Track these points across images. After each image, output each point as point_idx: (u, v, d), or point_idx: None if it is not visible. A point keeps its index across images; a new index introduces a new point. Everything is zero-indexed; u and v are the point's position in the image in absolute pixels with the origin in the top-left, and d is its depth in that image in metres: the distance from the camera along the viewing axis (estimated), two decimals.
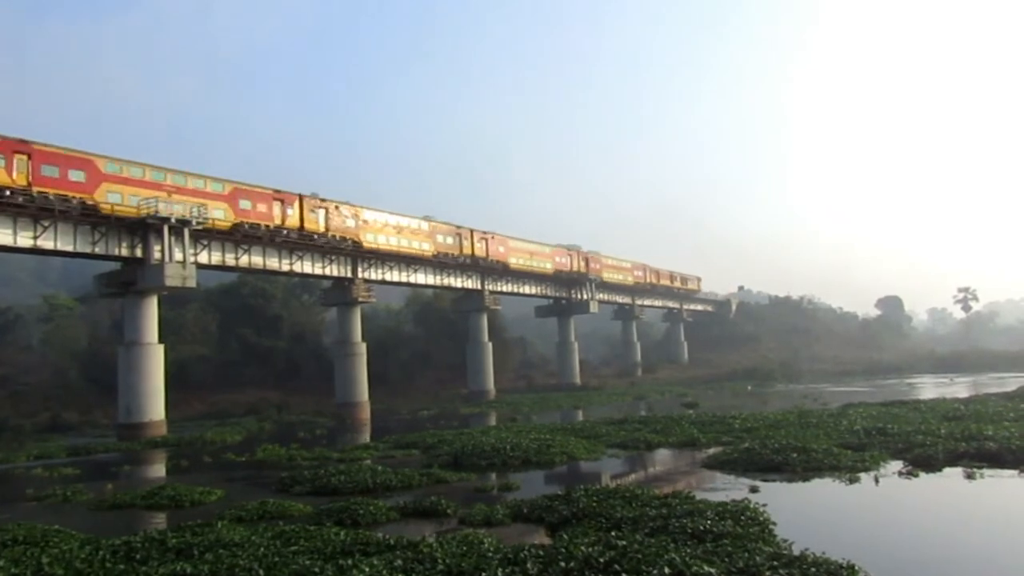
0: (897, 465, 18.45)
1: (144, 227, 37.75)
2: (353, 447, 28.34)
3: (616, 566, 8.84)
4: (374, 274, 52.81)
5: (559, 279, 70.92)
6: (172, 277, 37.89)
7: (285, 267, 47.22)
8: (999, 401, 33.48)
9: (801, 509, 14.97)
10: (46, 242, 35.24)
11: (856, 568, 8.98)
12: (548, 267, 68.55)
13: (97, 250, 37.30)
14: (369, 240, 49.30)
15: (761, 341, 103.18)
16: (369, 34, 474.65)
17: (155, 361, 38.70)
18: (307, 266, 48.34)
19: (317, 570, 9.21)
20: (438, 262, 55.74)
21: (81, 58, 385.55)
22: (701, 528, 11.04)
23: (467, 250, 57.72)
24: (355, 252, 49.40)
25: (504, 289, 66.76)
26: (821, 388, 59.36)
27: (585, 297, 75.27)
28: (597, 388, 68.37)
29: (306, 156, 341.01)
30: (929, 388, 54.80)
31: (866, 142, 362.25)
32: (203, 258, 41.66)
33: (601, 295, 79.51)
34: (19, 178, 32.72)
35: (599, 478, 19.27)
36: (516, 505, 14.43)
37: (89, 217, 35.83)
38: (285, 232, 44.07)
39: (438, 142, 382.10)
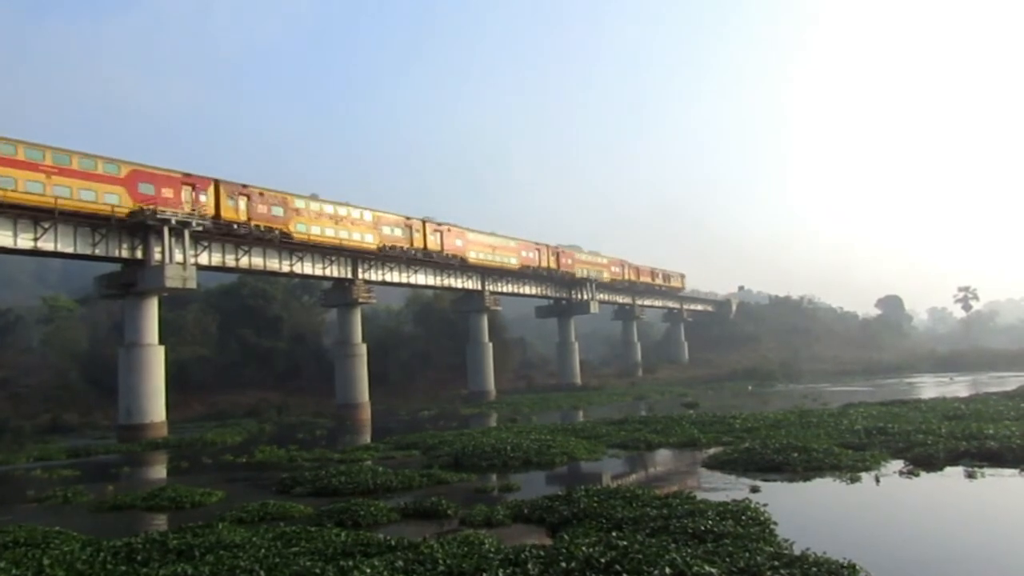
0: (898, 464, 18.45)
1: (144, 228, 37.77)
2: (354, 448, 28.36)
3: (617, 566, 8.84)
4: (374, 275, 52.81)
5: (534, 274, 67.36)
6: (172, 278, 37.89)
7: (285, 268, 47.24)
8: (999, 400, 33.46)
9: (802, 509, 14.96)
10: (46, 244, 35.24)
11: (857, 568, 8.98)
12: (513, 262, 64.31)
13: (97, 252, 37.31)
14: (300, 231, 44.97)
15: (761, 341, 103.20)
16: (369, 34, 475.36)
17: (155, 362, 38.70)
18: (307, 267, 48.36)
19: (318, 571, 9.21)
20: (384, 255, 51.49)
21: (81, 58, 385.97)
22: (702, 528, 11.04)
23: (418, 243, 53.63)
24: (287, 243, 45.11)
25: (504, 290, 66.78)
26: (821, 388, 59.36)
27: (585, 297, 75.27)
28: (597, 388, 68.37)
29: (306, 156, 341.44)
30: (929, 387, 54.80)
31: (866, 142, 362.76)
32: (203, 259, 41.67)
33: (601, 295, 79.50)
34: None
35: (600, 478, 19.27)
36: (517, 506, 14.43)
37: (90, 218, 35.86)
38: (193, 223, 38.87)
39: (438, 142, 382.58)
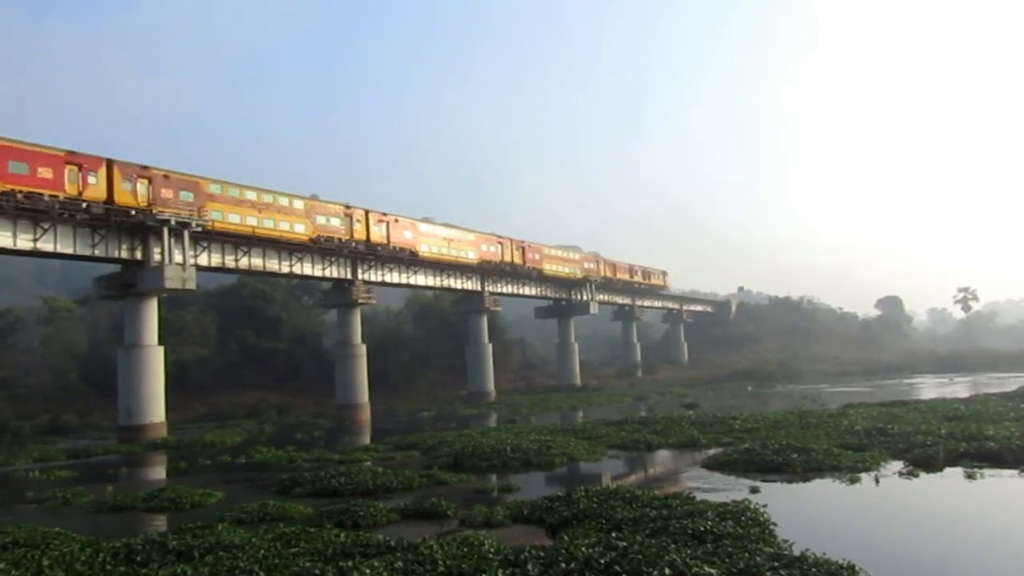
0: (897, 465, 18.44)
1: (144, 229, 37.78)
2: (353, 449, 28.37)
3: (617, 567, 8.84)
4: (373, 275, 52.81)
5: (484, 269, 62.30)
6: (172, 279, 37.90)
7: (285, 269, 47.25)
8: (999, 401, 33.45)
9: (802, 510, 14.96)
10: (46, 244, 35.24)
11: (857, 568, 8.98)
12: (472, 257, 59.60)
13: (97, 252, 37.32)
14: (216, 219, 40.70)
15: (761, 342, 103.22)
16: (369, 34, 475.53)
17: (155, 363, 38.70)
18: (307, 268, 48.37)
19: (318, 572, 9.21)
20: (320, 248, 47.65)
21: (80, 58, 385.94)
22: (702, 529, 11.04)
23: (359, 235, 49.59)
24: (197, 233, 40.14)
25: (504, 290, 66.79)
26: (821, 388, 59.33)
27: (585, 298, 75.28)
28: (597, 389, 68.41)
29: (306, 156, 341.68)
30: (929, 388, 54.79)
31: (866, 142, 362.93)
32: (203, 260, 41.68)
33: (601, 296, 79.45)
34: None
35: (599, 479, 19.25)
36: (516, 506, 14.42)
37: (92, 219, 35.84)
38: (84, 204, 35.10)
39: (438, 142, 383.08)
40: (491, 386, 63.33)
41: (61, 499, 19.03)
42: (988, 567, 10.51)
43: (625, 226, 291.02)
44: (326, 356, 60.66)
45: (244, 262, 44.17)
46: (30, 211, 33.43)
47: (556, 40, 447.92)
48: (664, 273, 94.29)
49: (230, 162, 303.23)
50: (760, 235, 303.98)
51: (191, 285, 39.15)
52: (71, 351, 58.76)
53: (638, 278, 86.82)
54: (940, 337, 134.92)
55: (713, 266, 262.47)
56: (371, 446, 28.63)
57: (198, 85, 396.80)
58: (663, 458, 23.21)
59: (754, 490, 15.81)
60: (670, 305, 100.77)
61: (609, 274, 79.94)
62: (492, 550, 10.12)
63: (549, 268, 69.61)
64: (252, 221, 42.88)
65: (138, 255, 38.38)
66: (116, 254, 38.01)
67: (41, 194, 33.57)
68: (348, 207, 49.67)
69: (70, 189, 34.78)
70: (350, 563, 9.59)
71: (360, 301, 51.45)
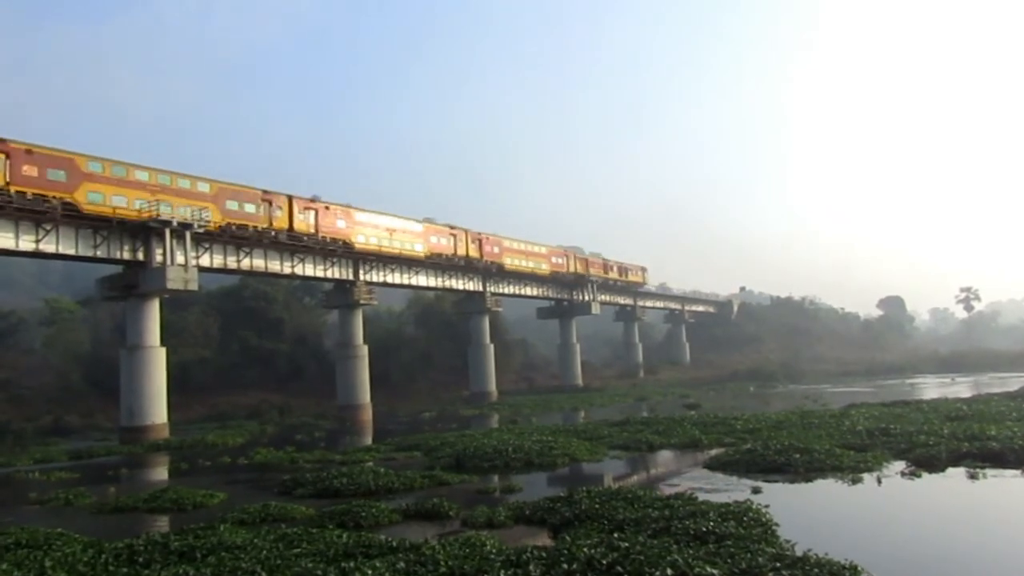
0: (899, 465, 18.40)
1: (146, 230, 37.85)
2: (355, 449, 28.38)
3: (619, 568, 8.84)
4: (375, 276, 52.85)
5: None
6: (174, 280, 37.96)
7: (287, 270, 47.29)
8: (1002, 401, 33.36)
9: (804, 510, 14.94)
10: (48, 246, 35.32)
11: (859, 569, 8.97)
12: (419, 249, 54.63)
13: (99, 253, 37.39)
14: (94, 201, 35.97)
15: (763, 342, 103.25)
16: (369, 35, 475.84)
17: (157, 364, 38.76)
18: (308, 268, 48.43)
19: (320, 573, 9.22)
20: (234, 236, 43.13)
21: (80, 59, 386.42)
22: (704, 529, 11.03)
23: (280, 223, 44.86)
24: (71, 216, 35.69)
25: (505, 291, 66.81)
26: (823, 389, 59.30)
27: (587, 299, 75.30)
28: (599, 389, 68.39)
29: (306, 156, 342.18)
30: (931, 388, 54.72)
31: (866, 142, 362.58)
32: (205, 261, 41.72)
33: (603, 296, 79.44)
34: None
35: (601, 480, 19.23)
36: (518, 507, 14.40)
37: (93, 220, 35.89)
38: None
39: (438, 142, 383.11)
40: (493, 387, 63.35)
41: (63, 500, 19.03)
42: (990, 567, 10.49)
43: (625, 226, 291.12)
44: (328, 357, 60.73)
45: (246, 263, 44.23)
46: (32, 212, 33.50)
47: (556, 40, 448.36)
48: (643, 269, 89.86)
49: (230, 162, 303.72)
50: (760, 235, 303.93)
51: (193, 286, 39.21)
52: (73, 352, 58.83)
53: (614, 274, 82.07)
54: (942, 337, 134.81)
55: (714, 266, 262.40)
56: (373, 447, 28.62)
57: (198, 85, 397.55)
58: (665, 459, 23.19)
59: (756, 490, 15.79)
60: (672, 305, 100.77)
61: (580, 270, 74.76)
62: (494, 551, 10.12)
63: (510, 263, 64.42)
64: (140, 205, 37.78)
65: (140, 256, 38.45)
66: (118, 255, 38.09)
67: None
68: (267, 192, 44.70)
69: None
70: (352, 564, 9.60)
71: (361, 302, 51.50)
